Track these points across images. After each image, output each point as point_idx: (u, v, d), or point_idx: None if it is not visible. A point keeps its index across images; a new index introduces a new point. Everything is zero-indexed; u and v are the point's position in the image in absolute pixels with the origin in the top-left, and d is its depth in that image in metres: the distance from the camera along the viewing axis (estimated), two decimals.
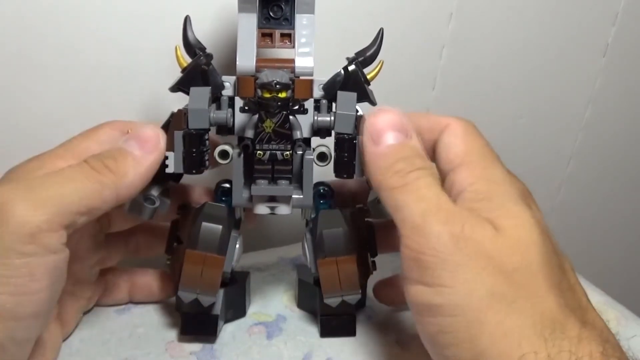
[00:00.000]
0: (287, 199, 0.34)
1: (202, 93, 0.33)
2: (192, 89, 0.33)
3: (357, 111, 0.33)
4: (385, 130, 0.31)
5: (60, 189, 0.29)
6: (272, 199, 0.34)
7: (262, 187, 0.33)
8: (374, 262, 0.38)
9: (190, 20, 0.34)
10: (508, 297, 0.26)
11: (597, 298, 0.43)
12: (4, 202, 0.27)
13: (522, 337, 0.26)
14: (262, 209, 0.34)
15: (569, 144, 0.65)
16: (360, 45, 0.35)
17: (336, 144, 0.33)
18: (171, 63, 0.34)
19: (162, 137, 0.32)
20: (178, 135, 0.32)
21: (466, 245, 0.27)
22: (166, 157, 0.32)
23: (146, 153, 0.32)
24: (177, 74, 0.34)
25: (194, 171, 0.33)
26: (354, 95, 0.33)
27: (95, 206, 0.30)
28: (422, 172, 0.29)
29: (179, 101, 0.34)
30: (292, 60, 0.34)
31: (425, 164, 0.30)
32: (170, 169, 0.32)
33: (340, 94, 0.33)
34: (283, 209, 0.34)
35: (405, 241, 0.28)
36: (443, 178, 0.32)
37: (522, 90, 0.58)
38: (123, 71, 0.41)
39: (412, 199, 0.29)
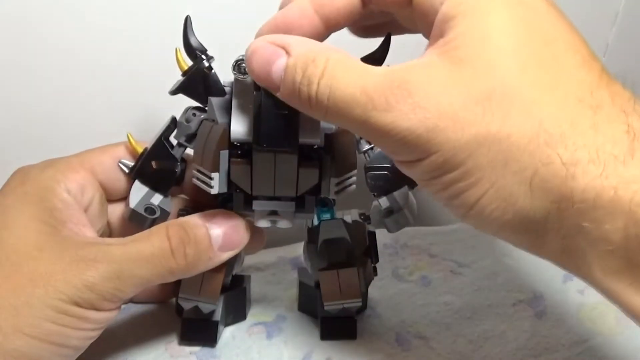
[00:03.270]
0: (289, 214, 0.33)
1: (226, 106, 0.31)
2: (215, 100, 0.32)
3: None
4: (265, 72, 0.26)
5: (136, 271, 0.29)
6: (273, 212, 0.33)
7: (263, 201, 0.32)
8: (375, 267, 0.38)
9: (191, 21, 0.32)
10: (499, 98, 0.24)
11: (597, 298, 0.42)
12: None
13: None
14: (263, 223, 0.33)
15: None
16: (366, 49, 0.34)
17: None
18: (168, 65, 0.33)
19: (247, 238, 0.33)
20: (224, 154, 0.30)
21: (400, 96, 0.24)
22: (211, 178, 0.30)
23: (225, 252, 0.32)
24: (177, 77, 0.33)
25: (237, 190, 0.31)
26: None
27: (149, 285, 0.31)
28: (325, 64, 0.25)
29: (178, 104, 0.33)
30: None
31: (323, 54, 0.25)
32: (214, 190, 0.30)
33: None
34: (284, 223, 0.33)
35: None
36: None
37: None
38: (122, 73, 0.41)
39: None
